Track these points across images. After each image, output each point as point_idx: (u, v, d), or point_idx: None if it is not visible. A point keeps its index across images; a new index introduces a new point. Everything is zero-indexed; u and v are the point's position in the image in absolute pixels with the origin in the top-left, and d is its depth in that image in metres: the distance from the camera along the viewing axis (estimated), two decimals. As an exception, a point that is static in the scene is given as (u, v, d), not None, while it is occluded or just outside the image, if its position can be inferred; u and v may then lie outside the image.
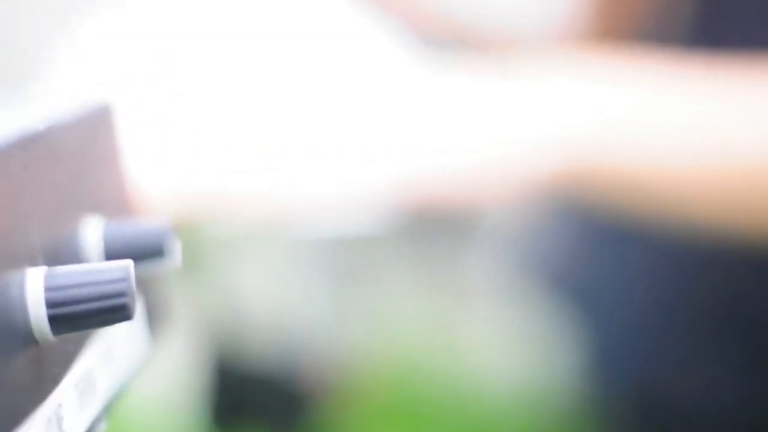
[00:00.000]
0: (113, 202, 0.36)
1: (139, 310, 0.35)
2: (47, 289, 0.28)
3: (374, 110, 0.61)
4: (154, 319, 0.36)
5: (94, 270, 0.28)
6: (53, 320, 0.28)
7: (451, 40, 0.87)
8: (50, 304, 0.28)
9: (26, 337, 0.28)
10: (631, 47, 0.72)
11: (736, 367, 0.78)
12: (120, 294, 0.28)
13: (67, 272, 0.28)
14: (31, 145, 0.30)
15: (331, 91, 0.61)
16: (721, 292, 0.77)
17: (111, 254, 0.32)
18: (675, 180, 0.59)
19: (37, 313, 0.28)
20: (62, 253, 0.30)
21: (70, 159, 0.32)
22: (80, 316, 0.28)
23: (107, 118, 0.37)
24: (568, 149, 0.59)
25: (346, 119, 0.60)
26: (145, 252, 0.32)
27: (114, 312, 0.28)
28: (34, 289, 0.28)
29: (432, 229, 0.66)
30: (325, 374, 0.75)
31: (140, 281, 0.35)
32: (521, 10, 0.85)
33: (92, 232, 0.32)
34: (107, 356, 0.32)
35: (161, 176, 0.59)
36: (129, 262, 0.28)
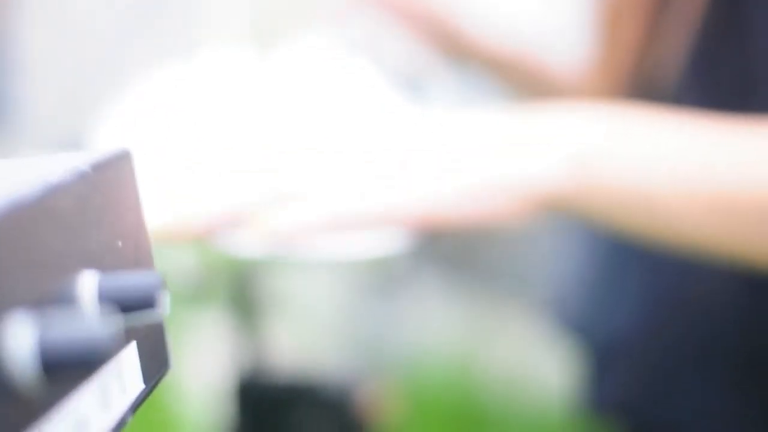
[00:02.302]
0: (124, 248, 0.38)
1: (133, 355, 0.37)
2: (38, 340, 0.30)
3: (377, 139, 0.63)
4: (149, 363, 0.38)
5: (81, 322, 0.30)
6: (41, 370, 0.30)
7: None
8: (40, 355, 0.30)
9: (11, 386, 0.30)
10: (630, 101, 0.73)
11: (725, 386, 0.79)
12: (102, 345, 0.30)
13: (57, 324, 0.30)
14: (39, 198, 0.32)
15: (338, 125, 0.63)
16: (713, 311, 0.78)
17: (105, 305, 0.34)
18: (667, 203, 0.61)
19: (26, 363, 0.30)
20: (56, 304, 0.32)
21: (83, 209, 0.35)
22: (67, 366, 0.30)
23: (125, 166, 0.40)
24: (574, 167, 0.60)
25: (355, 150, 0.62)
26: (138, 304, 0.34)
27: (93, 362, 0.30)
28: (23, 337, 0.30)
29: (451, 247, 0.67)
30: (373, 392, 0.76)
31: (134, 327, 0.37)
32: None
33: (87, 284, 0.34)
34: (101, 399, 0.34)
35: (193, 206, 0.62)
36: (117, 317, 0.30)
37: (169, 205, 0.62)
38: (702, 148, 0.60)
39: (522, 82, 0.90)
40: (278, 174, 0.61)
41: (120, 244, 0.37)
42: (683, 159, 0.60)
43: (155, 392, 0.39)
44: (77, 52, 3.59)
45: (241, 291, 0.86)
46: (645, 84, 0.77)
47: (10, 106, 2.49)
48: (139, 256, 0.40)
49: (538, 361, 2.33)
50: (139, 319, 0.34)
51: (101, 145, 0.67)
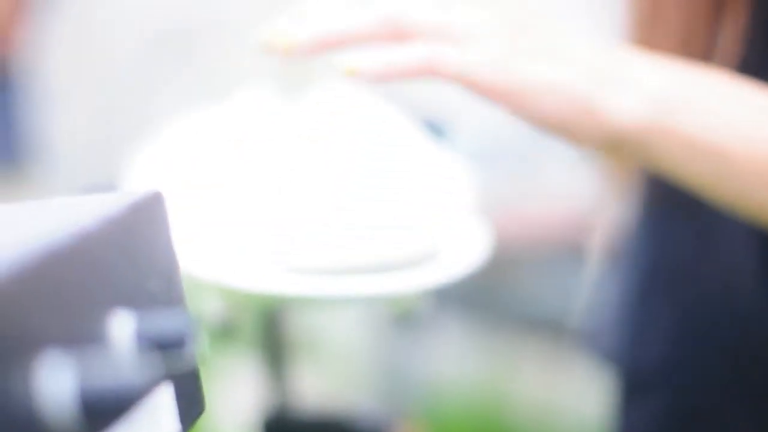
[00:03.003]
0: (158, 288, 0.38)
1: (169, 396, 0.37)
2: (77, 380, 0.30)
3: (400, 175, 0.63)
4: (184, 404, 0.38)
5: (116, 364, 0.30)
6: (78, 410, 0.30)
7: None
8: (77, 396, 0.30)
9: (48, 426, 0.30)
10: None
11: (755, 418, 0.79)
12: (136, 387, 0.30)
13: (93, 364, 0.30)
14: (73, 242, 0.32)
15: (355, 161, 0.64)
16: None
17: (140, 345, 0.34)
18: (743, 164, 0.59)
19: (63, 403, 0.30)
20: (91, 344, 0.32)
21: (117, 251, 0.35)
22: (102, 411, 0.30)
23: (157, 207, 0.40)
24: (657, 108, 0.59)
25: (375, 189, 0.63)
26: (172, 343, 0.34)
27: (127, 402, 0.30)
28: (61, 377, 0.30)
29: (474, 277, 0.67)
30: (401, 429, 0.76)
31: (170, 368, 0.37)
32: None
33: (121, 325, 0.34)
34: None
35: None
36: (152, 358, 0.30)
37: (197, 245, 0.62)
38: None
39: None
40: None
41: (153, 284, 0.37)
42: (765, 123, 0.59)
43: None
44: (106, 94, 3.63)
45: (267, 329, 0.86)
46: None
47: (41, 146, 2.52)
48: (172, 296, 0.40)
49: (564, 392, 2.32)
50: (174, 358, 0.35)
51: (132, 187, 0.67)
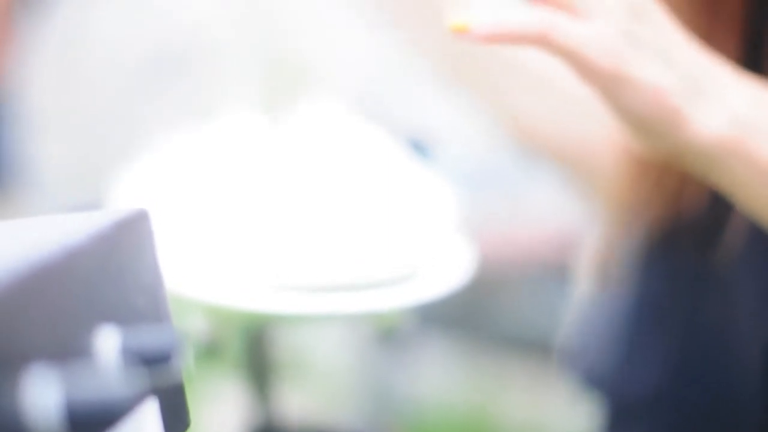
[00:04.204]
0: (143, 305, 0.38)
1: (154, 411, 0.37)
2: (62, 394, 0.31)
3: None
4: (169, 420, 0.38)
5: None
6: (64, 424, 0.30)
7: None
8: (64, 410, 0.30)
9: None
10: None
11: None
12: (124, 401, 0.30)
13: (79, 379, 0.31)
14: (59, 259, 0.33)
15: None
16: None
17: (126, 360, 0.34)
18: None
19: (49, 417, 0.30)
20: (77, 359, 0.33)
21: (103, 268, 0.35)
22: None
23: (143, 225, 0.40)
24: (736, 129, 0.59)
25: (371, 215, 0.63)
26: (158, 359, 0.35)
27: (114, 416, 0.30)
28: (47, 391, 0.30)
29: (461, 298, 0.67)
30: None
31: (155, 384, 0.37)
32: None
33: (107, 340, 0.34)
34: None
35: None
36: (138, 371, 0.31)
37: (183, 262, 0.62)
38: None
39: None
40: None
41: (139, 300, 0.38)
42: None
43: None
44: (91, 114, 3.62)
45: (252, 348, 0.86)
46: None
47: (26, 166, 2.51)
48: (158, 312, 0.40)
49: (549, 412, 2.32)
50: (159, 374, 0.35)
51: (118, 206, 0.68)
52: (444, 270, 0.67)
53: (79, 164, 3.56)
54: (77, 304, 0.34)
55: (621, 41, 0.58)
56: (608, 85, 0.58)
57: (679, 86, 0.58)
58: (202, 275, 0.63)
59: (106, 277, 0.36)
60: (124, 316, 0.36)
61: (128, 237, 0.38)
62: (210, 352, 0.69)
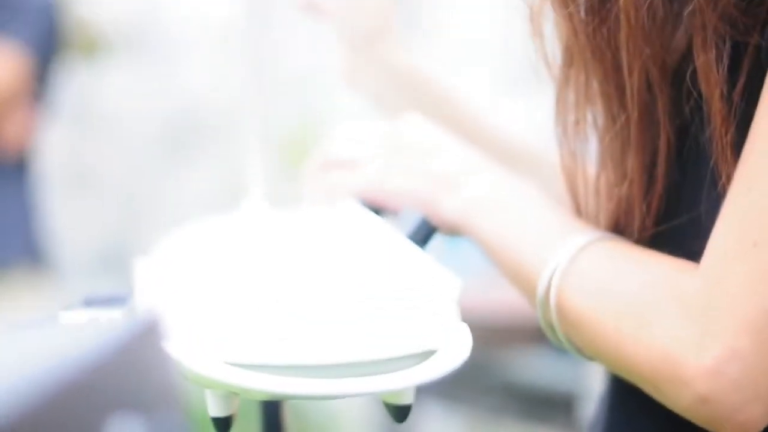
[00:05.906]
0: (156, 399, 0.42)
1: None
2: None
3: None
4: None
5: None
6: None
7: None
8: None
9: None
10: None
11: None
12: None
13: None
14: (72, 377, 0.36)
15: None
16: None
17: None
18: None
19: None
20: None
21: (118, 374, 0.39)
22: None
23: (155, 331, 0.44)
24: (465, 212, 0.82)
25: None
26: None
27: None
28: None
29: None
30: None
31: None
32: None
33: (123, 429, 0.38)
34: None
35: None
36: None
37: (200, 343, 0.66)
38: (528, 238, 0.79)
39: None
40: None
41: (151, 392, 0.41)
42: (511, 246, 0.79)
43: None
44: (107, 186, 3.65)
45: (268, 417, 0.90)
46: None
47: (45, 256, 2.52)
48: (170, 402, 0.43)
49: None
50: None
51: (136, 301, 0.72)
52: (447, 349, 0.70)
53: (99, 240, 3.59)
54: (91, 395, 0.37)
55: (380, 171, 0.85)
56: (384, 201, 0.85)
57: (427, 188, 0.83)
58: (218, 354, 0.66)
59: (121, 380, 0.39)
60: (137, 405, 0.39)
61: (141, 345, 0.41)
62: (227, 422, 0.72)
